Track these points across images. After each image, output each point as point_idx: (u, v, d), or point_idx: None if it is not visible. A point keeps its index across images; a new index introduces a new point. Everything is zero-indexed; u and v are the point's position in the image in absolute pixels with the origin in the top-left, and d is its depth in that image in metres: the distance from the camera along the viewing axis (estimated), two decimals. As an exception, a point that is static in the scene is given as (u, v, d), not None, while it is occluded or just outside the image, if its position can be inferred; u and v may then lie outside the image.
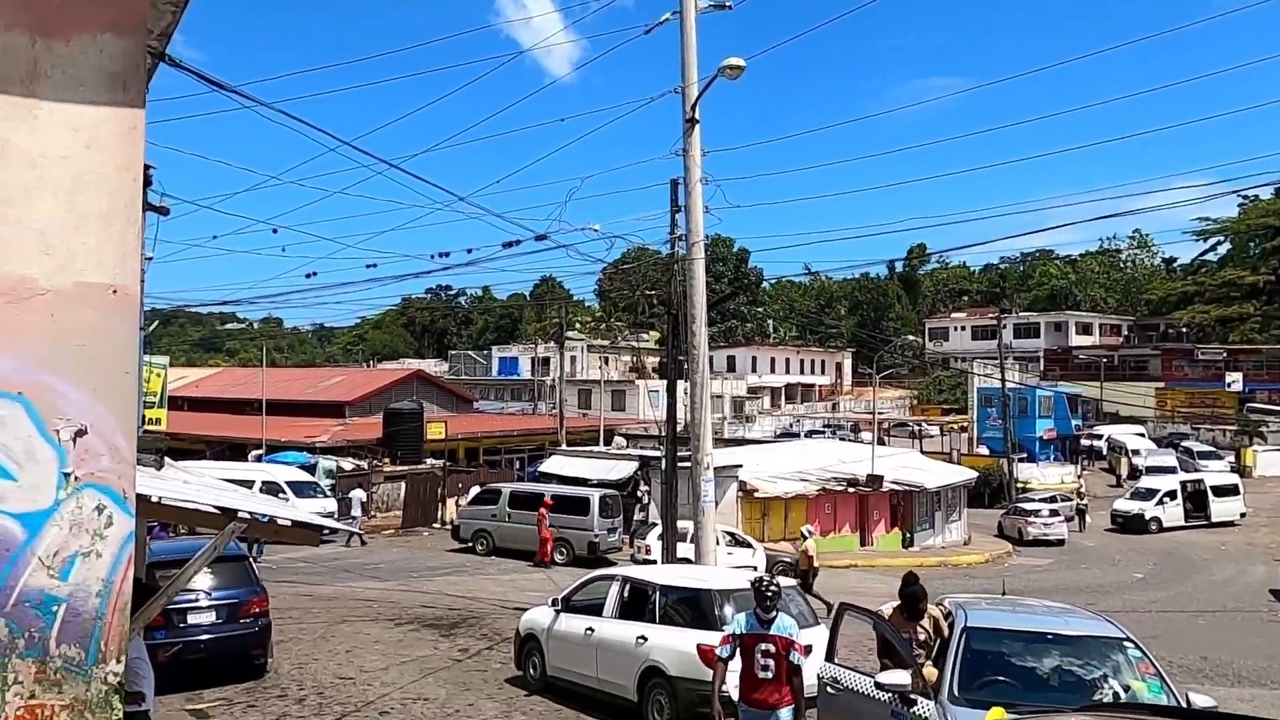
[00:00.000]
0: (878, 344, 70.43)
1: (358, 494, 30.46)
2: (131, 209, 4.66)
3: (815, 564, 20.15)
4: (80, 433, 4.47)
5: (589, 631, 10.89)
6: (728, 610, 9.72)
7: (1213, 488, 40.48)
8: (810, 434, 62.16)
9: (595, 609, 11.12)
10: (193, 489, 6.57)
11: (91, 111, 4.55)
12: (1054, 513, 36.44)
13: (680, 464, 29.83)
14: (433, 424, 38.74)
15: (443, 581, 21.42)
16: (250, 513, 5.85)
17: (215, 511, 5.78)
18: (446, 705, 11.30)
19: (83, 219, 4.53)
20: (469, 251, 24.40)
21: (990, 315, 78.51)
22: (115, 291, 4.59)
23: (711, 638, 9.49)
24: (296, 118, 14.51)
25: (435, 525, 30.66)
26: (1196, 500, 39.82)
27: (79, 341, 4.50)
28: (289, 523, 6.24)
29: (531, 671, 11.97)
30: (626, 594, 10.84)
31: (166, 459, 9.81)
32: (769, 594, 7.32)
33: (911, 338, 73.85)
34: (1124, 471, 51.23)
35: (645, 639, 10.03)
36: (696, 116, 16.31)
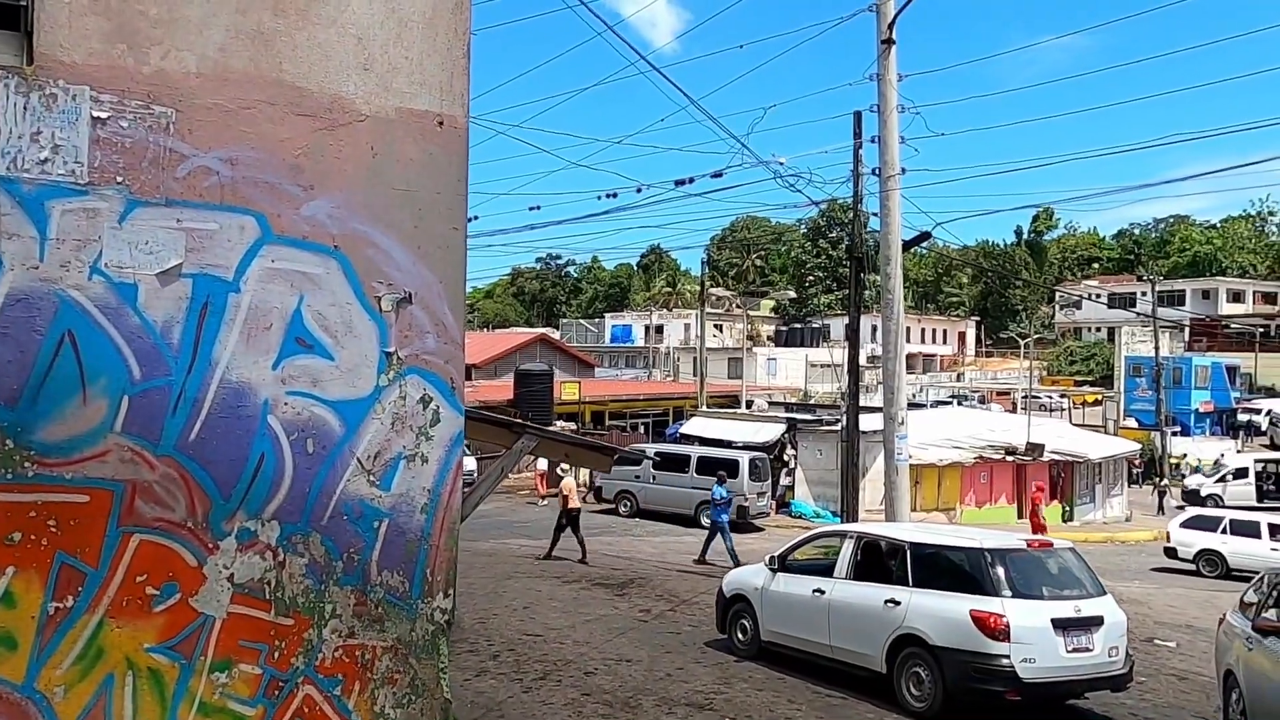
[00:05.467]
0: (1005, 313, 66.69)
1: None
2: (459, 15, 3.61)
3: (574, 504, 17.95)
4: (403, 301, 3.47)
5: (817, 593, 9.73)
6: (1000, 573, 8.42)
7: None
8: (937, 404, 59.55)
9: (822, 569, 9.95)
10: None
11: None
12: None
13: (817, 427, 28.51)
14: (567, 384, 38.12)
15: (595, 541, 20.61)
16: (539, 429, 4.86)
17: (502, 427, 4.81)
18: (653, 668, 10.35)
19: (403, 25, 3.51)
20: (639, 190, 23.09)
21: (1127, 282, 73.88)
22: (441, 124, 3.57)
23: (987, 603, 8.24)
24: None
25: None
26: None
27: (401, 185, 3.49)
28: (581, 443, 5.25)
29: (740, 635, 10.92)
30: (863, 553, 9.62)
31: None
32: None
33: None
34: (1290, 448, 47.12)
35: (897, 603, 8.80)
36: (893, 37, 15.04)
